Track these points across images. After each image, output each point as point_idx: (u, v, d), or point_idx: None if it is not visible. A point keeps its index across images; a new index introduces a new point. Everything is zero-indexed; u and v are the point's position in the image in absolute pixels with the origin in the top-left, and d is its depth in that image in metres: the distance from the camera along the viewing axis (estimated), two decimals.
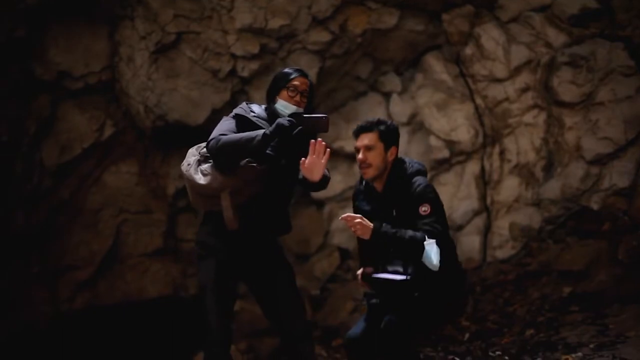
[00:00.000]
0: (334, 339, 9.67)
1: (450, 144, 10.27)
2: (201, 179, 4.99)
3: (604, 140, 9.25)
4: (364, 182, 5.44)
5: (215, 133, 4.98)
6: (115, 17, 10.09)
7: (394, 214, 5.06)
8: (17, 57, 9.76)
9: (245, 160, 4.87)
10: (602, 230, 8.87)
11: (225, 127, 5.04)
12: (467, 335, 8.15)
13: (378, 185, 5.25)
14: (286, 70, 5.30)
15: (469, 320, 8.55)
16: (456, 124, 10.22)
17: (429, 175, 10.38)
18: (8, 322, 10.03)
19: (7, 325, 10.03)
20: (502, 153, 9.97)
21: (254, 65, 10.15)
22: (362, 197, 5.45)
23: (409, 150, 10.44)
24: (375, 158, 5.17)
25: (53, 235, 10.36)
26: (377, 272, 5.30)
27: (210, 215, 5.10)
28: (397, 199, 5.12)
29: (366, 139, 5.25)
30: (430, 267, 4.81)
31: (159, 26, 9.94)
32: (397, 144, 5.36)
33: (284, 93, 5.16)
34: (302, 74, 5.26)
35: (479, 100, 10.13)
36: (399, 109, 10.66)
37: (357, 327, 5.36)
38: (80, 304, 10.55)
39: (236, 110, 5.21)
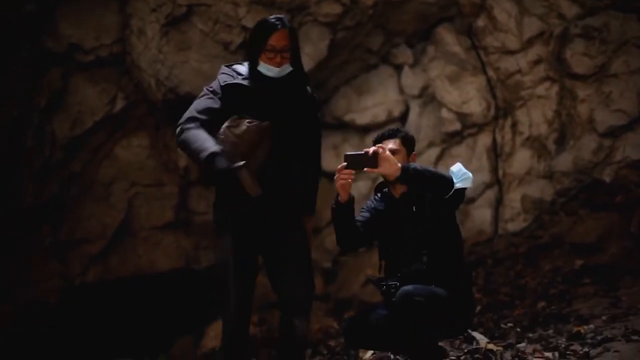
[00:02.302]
0: (346, 311, 9.70)
1: (462, 116, 10.24)
2: None
3: (617, 112, 9.21)
4: (379, 195, 5.10)
5: (187, 113, 4.70)
6: None
7: (414, 209, 4.79)
8: (27, 31, 9.75)
9: (246, 121, 4.55)
10: (614, 203, 8.85)
11: (200, 106, 4.72)
12: (478, 308, 8.15)
13: (397, 190, 4.89)
14: (260, 25, 4.81)
15: (480, 293, 8.56)
16: (468, 96, 10.19)
17: (440, 148, 10.45)
18: (21, 295, 10.09)
19: (20, 298, 10.09)
20: (514, 125, 9.95)
21: None
22: (377, 203, 5.07)
23: (421, 123, 10.43)
24: (400, 161, 4.60)
25: (65, 208, 10.39)
26: (390, 278, 4.76)
27: (224, 192, 4.81)
28: (418, 197, 4.82)
29: (390, 143, 4.84)
30: (465, 180, 4.62)
31: None
32: (415, 151, 4.99)
33: (263, 55, 4.74)
34: (278, 26, 4.73)
35: (491, 73, 10.10)
36: (411, 82, 10.63)
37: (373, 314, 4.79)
38: (92, 277, 10.60)
39: (221, 78, 4.82)
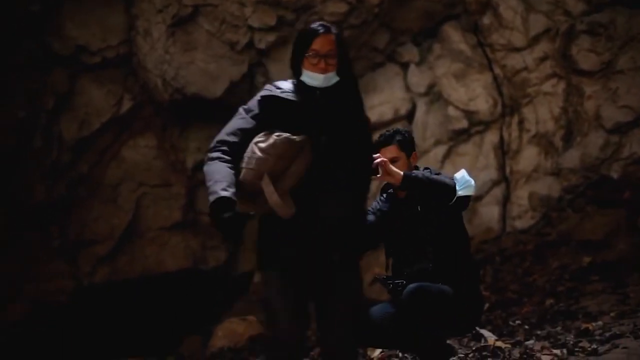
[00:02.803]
0: None
1: (468, 114, 10.23)
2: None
3: (623, 108, 9.20)
4: (384, 195, 5.02)
5: (218, 135, 4.30)
6: None
7: (419, 209, 4.73)
8: (33, 32, 9.78)
9: (275, 134, 4.10)
10: (622, 199, 8.83)
11: (230, 128, 4.30)
12: (487, 305, 8.15)
13: (402, 192, 4.81)
14: (303, 32, 4.45)
15: (488, 290, 8.55)
16: (474, 94, 10.18)
17: (447, 146, 10.44)
18: (30, 295, 10.12)
19: (30, 298, 10.12)
20: (521, 123, 9.93)
21: (271, 37, 10.13)
22: (383, 204, 4.98)
23: (427, 121, 10.42)
24: (401, 169, 4.52)
25: (73, 209, 10.42)
26: (397, 277, 4.67)
27: (264, 219, 4.28)
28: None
29: (388, 153, 4.65)
30: (467, 188, 4.54)
31: None
32: (415, 149, 4.86)
33: (306, 62, 4.32)
34: (321, 30, 4.35)
35: (497, 70, 10.09)
36: (417, 80, 10.62)
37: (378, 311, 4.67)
38: (101, 278, 10.62)
39: (260, 93, 4.37)
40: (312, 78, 4.32)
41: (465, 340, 6.58)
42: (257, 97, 4.36)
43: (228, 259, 11.08)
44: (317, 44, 4.33)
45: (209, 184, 4.06)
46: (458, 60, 10.29)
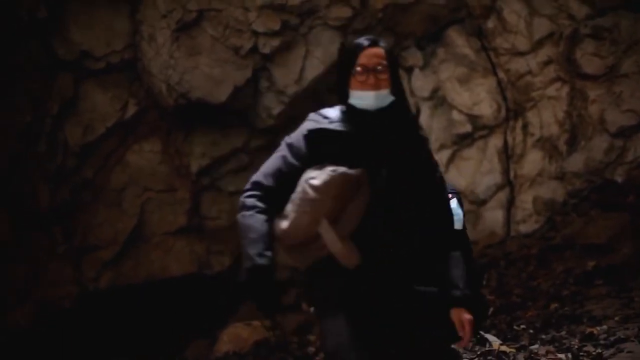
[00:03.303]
0: None
1: (472, 118, 10.23)
2: (282, 224, 3.62)
3: (627, 112, 9.20)
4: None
5: (256, 174, 3.76)
6: None
7: None
8: (39, 38, 9.81)
9: (329, 169, 3.54)
10: (626, 203, 8.83)
11: (269, 168, 3.74)
12: (491, 310, 8.15)
13: None
14: (346, 48, 3.89)
15: (493, 294, 8.55)
16: (478, 98, 10.18)
17: (451, 150, 10.44)
18: (36, 299, 10.13)
19: (35, 302, 10.14)
20: (525, 127, 9.93)
21: (275, 42, 10.14)
22: None
23: (431, 125, 10.42)
24: None
25: (78, 214, 10.44)
26: None
27: (317, 268, 3.65)
28: None
29: None
30: (456, 222, 4.45)
31: (180, 4, 9.97)
32: None
33: (353, 81, 3.71)
34: (369, 43, 3.75)
35: (501, 74, 10.09)
36: (421, 84, 10.62)
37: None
38: (105, 282, 10.63)
39: (305, 125, 3.76)
40: (362, 98, 3.70)
41: (470, 344, 6.57)
42: (303, 130, 3.74)
43: (232, 263, 11.08)
44: (364, 58, 3.72)
45: (243, 242, 3.58)
46: (462, 65, 10.30)
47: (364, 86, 3.67)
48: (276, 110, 10.34)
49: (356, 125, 3.69)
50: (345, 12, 10.09)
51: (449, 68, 10.39)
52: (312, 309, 3.69)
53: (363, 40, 3.76)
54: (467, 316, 3.60)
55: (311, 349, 8.97)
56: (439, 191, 3.83)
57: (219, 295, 10.83)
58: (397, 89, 3.77)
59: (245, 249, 3.54)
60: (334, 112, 3.78)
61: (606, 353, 5.59)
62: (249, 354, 9.38)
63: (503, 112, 10.10)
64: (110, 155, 10.55)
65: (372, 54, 3.71)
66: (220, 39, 10.13)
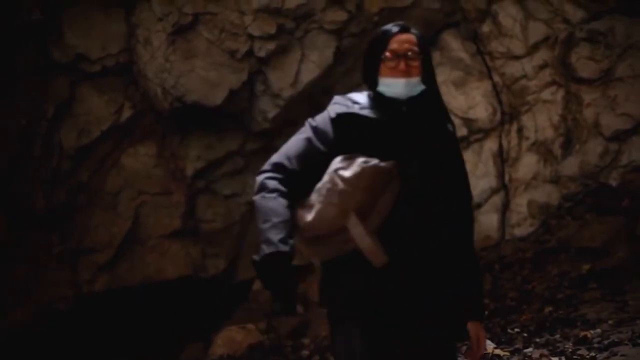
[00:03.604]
0: None
1: (468, 121, 10.24)
2: (306, 215, 3.36)
3: (622, 116, 9.21)
4: None
5: (277, 154, 3.51)
6: None
7: None
8: (34, 41, 9.81)
9: (360, 160, 3.30)
10: (621, 207, 8.84)
11: (293, 150, 3.47)
12: (486, 313, 8.15)
13: None
14: (376, 34, 3.62)
15: (487, 298, 8.55)
16: (474, 101, 10.19)
17: None
18: (31, 302, 10.13)
19: (31, 305, 10.13)
20: (520, 130, 9.94)
21: (270, 46, 10.14)
22: None
23: None
24: None
25: (73, 217, 10.43)
26: None
27: (336, 263, 3.39)
28: None
29: None
30: None
31: (175, 7, 9.96)
32: None
33: (383, 67, 3.49)
34: (399, 29, 3.54)
35: (496, 78, 10.10)
36: None
37: None
38: (101, 286, 10.62)
39: (331, 109, 3.52)
40: (391, 85, 3.48)
41: (464, 348, 6.58)
42: (330, 113, 3.50)
43: (227, 267, 11.08)
44: (395, 44, 3.50)
45: (263, 225, 3.29)
46: (457, 68, 10.30)
47: (394, 73, 3.46)
48: (272, 113, 10.34)
49: (387, 113, 3.47)
50: (340, 15, 10.09)
51: (444, 72, 10.38)
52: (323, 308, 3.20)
53: (393, 27, 3.56)
54: (483, 332, 3.50)
55: (305, 352, 8.97)
56: (465, 189, 3.65)
57: (214, 298, 10.83)
58: (428, 79, 3.56)
59: (266, 234, 3.26)
60: (363, 98, 3.57)
61: (600, 356, 5.61)
62: (243, 357, 9.38)
63: (498, 116, 10.11)
64: (105, 159, 10.55)
65: (403, 39, 3.51)
66: (216, 43, 10.13)
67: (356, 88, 10.86)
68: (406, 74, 3.44)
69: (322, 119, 3.49)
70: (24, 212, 10.07)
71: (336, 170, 3.30)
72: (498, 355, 6.17)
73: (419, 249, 3.34)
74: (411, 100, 3.49)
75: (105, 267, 10.59)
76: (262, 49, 10.18)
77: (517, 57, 9.91)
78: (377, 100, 3.52)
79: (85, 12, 9.99)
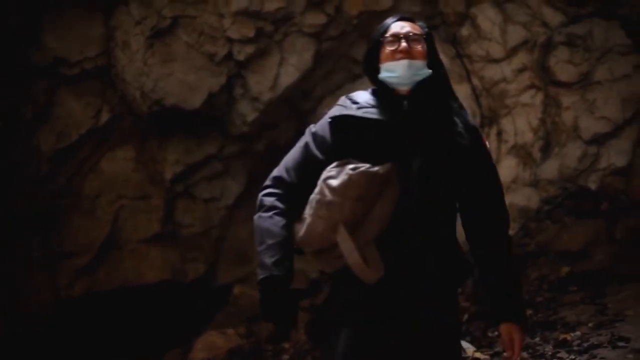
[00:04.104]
0: None
1: None
2: (300, 230, 3.20)
3: (601, 119, 9.24)
4: None
5: (277, 168, 3.38)
6: (110, 2, 10.05)
7: None
8: (12, 44, 9.74)
9: (349, 167, 3.10)
10: (600, 210, 8.88)
11: (291, 161, 3.33)
12: (466, 316, 8.16)
13: None
14: (376, 29, 3.50)
15: (468, 301, 8.56)
16: None
17: None
18: (10, 308, 10.05)
19: (9, 311, 10.05)
20: (499, 134, 9.96)
21: (249, 49, 10.11)
22: None
23: None
24: None
25: (52, 221, 10.35)
26: None
27: (339, 279, 3.24)
28: None
29: None
30: None
31: (154, 10, 9.90)
32: None
33: (383, 53, 3.35)
34: (400, 18, 3.47)
35: (475, 81, 10.11)
36: None
37: None
38: (80, 290, 10.55)
39: (331, 111, 3.36)
40: (394, 69, 3.30)
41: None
42: (327, 117, 3.35)
43: (207, 271, 11.05)
44: (395, 28, 3.40)
45: (259, 248, 3.20)
46: None
47: (394, 55, 3.31)
48: (250, 117, 10.30)
49: (387, 111, 3.27)
50: (319, 18, 10.08)
51: None
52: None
53: (393, 17, 3.51)
54: (519, 335, 3.31)
55: (285, 357, 8.95)
56: (488, 187, 3.40)
57: (194, 302, 10.79)
58: (436, 67, 3.41)
59: (261, 257, 3.17)
60: (364, 96, 3.42)
61: (580, 359, 5.61)
62: None
63: (478, 119, 10.12)
64: (84, 162, 10.47)
65: (404, 24, 3.44)
66: (195, 46, 10.09)
67: (336, 91, 10.93)
68: (408, 54, 3.31)
69: (321, 124, 3.34)
70: (1, 217, 9.99)
71: (325, 180, 3.15)
72: (478, 359, 6.16)
73: (420, 262, 3.15)
74: (415, 94, 3.32)
75: (84, 272, 10.52)
76: (241, 53, 10.14)
77: (496, 61, 9.93)
78: (380, 94, 3.38)
79: (63, 15, 9.92)
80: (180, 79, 10.15)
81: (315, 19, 10.08)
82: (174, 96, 10.17)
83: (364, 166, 3.08)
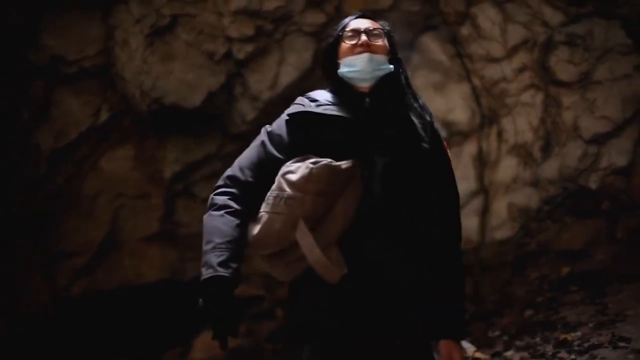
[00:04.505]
0: None
1: (447, 125, 10.22)
2: (254, 229, 3.08)
3: (601, 119, 9.22)
4: None
5: (232, 166, 3.34)
6: (110, 1, 10.03)
7: None
8: (11, 43, 9.72)
9: (309, 161, 3.00)
10: (600, 210, 8.86)
11: (245, 160, 3.29)
12: (466, 316, 8.14)
13: None
14: (339, 23, 3.48)
15: (468, 301, 8.55)
16: (453, 104, 10.18)
17: None
18: (7, 309, 10.03)
19: (7, 312, 10.03)
20: (499, 133, 9.95)
21: (249, 48, 10.09)
22: None
23: None
24: None
25: (50, 221, 10.33)
26: None
27: (299, 283, 3.10)
28: None
29: None
30: None
31: (153, 9, 9.88)
32: None
33: (342, 48, 3.30)
34: (359, 15, 3.45)
35: (475, 81, 10.10)
36: None
37: None
38: (78, 290, 10.52)
39: (289, 109, 3.32)
40: (353, 64, 3.22)
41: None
42: (285, 115, 3.30)
43: None
44: (355, 24, 3.35)
45: (205, 247, 3.08)
46: (436, 71, 10.29)
47: (354, 49, 3.24)
48: (250, 116, 10.29)
49: (348, 106, 3.18)
50: (319, 18, 10.07)
51: (423, 74, 10.37)
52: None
53: (352, 14, 3.46)
54: (458, 353, 3.18)
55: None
56: (445, 192, 3.35)
57: (194, 302, 10.76)
58: (396, 66, 3.30)
59: (206, 255, 3.05)
60: (323, 94, 3.33)
61: (580, 359, 5.59)
62: None
63: (478, 119, 10.10)
64: (83, 161, 10.45)
65: (363, 21, 3.37)
66: (194, 44, 10.07)
67: None
68: (368, 47, 3.23)
69: (277, 123, 3.29)
70: (1, 216, 9.97)
71: (284, 175, 3.03)
72: (478, 359, 6.15)
73: (385, 262, 3.01)
74: (376, 90, 3.23)
75: (83, 271, 10.49)
76: (241, 51, 10.13)
77: (496, 60, 9.91)
78: (338, 94, 3.28)
79: (62, 14, 9.89)
80: (179, 78, 10.13)
81: (315, 18, 10.07)
82: (174, 95, 10.15)
83: (325, 160, 2.98)
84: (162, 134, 10.58)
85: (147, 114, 10.29)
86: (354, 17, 3.42)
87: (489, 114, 10.05)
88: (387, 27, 3.42)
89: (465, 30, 10.04)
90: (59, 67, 10.03)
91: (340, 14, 10.03)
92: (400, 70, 3.34)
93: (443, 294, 3.17)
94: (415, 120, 3.20)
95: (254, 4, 9.80)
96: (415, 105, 3.30)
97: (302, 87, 10.14)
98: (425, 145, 3.18)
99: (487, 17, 9.84)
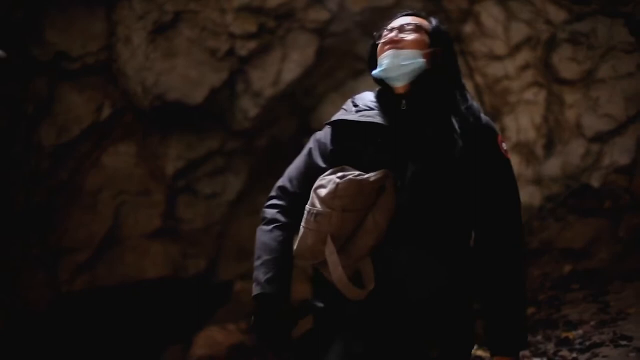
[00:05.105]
0: None
1: None
2: (295, 244, 3.01)
3: (604, 117, 9.20)
4: None
5: (282, 177, 3.23)
6: None
7: None
8: (14, 39, 9.72)
9: (336, 175, 2.88)
10: (603, 208, 8.85)
11: (294, 171, 3.17)
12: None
13: None
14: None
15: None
16: None
17: None
18: (9, 304, 10.03)
19: (8, 307, 10.03)
20: (502, 131, 9.93)
21: (252, 45, 10.09)
22: None
23: None
24: None
25: (52, 217, 10.34)
26: None
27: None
28: None
29: None
30: None
31: (156, 5, 9.88)
32: None
33: (378, 48, 3.15)
34: (405, 13, 3.28)
35: (478, 79, 10.08)
36: None
37: None
38: (80, 286, 10.53)
39: (334, 116, 3.14)
40: (380, 63, 3.08)
41: None
42: (329, 122, 3.15)
43: (208, 267, 11.04)
44: (394, 23, 3.19)
45: (255, 263, 3.05)
46: None
47: (384, 47, 3.08)
48: (252, 113, 10.30)
49: (386, 110, 3.03)
50: (322, 15, 10.06)
51: None
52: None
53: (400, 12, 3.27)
54: None
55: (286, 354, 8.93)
56: (501, 192, 3.17)
57: (195, 298, 10.78)
58: (443, 66, 3.11)
59: (255, 272, 3.02)
60: (366, 97, 3.18)
61: (582, 358, 5.59)
62: (224, 357, 9.33)
63: None
64: (85, 158, 10.46)
65: (404, 19, 3.21)
66: (197, 41, 10.07)
67: (339, 87, 10.91)
68: (395, 44, 3.06)
69: (324, 130, 3.16)
70: (2, 212, 9.98)
71: (316, 189, 2.92)
72: (480, 357, 6.13)
73: (414, 273, 2.88)
74: (415, 92, 3.05)
75: (85, 267, 10.51)
76: (244, 48, 10.13)
77: (499, 58, 9.90)
78: (380, 97, 3.14)
79: (65, 10, 9.89)
80: (182, 74, 10.13)
81: (318, 15, 10.06)
82: (176, 91, 10.16)
83: (353, 174, 2.85)
84: (165, 131, 10.59)
85: (150, 111, 10.29)
86: (399, 15, 3.26)
87: (491, 112, 10.04)
88: (434, 23, 3.24)
89: (468, 28, 10.03)
90: (62, 64, 10.03)
91: (344, 10, 10.04)
92: (450, 70, 3.16)
93: (500, 304, 3.07)
94: (456, 125, 3.03)
95: (257, 1, 9.80)
96: (462, 106, 3.15)
97: (305, 84, 10.17)
98: (456, 153, 2.96)
99: (491, 14, 9.83)
